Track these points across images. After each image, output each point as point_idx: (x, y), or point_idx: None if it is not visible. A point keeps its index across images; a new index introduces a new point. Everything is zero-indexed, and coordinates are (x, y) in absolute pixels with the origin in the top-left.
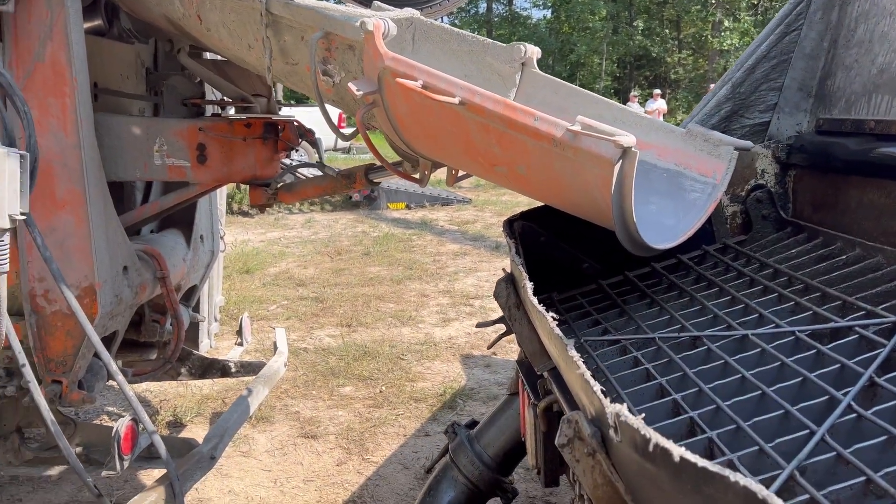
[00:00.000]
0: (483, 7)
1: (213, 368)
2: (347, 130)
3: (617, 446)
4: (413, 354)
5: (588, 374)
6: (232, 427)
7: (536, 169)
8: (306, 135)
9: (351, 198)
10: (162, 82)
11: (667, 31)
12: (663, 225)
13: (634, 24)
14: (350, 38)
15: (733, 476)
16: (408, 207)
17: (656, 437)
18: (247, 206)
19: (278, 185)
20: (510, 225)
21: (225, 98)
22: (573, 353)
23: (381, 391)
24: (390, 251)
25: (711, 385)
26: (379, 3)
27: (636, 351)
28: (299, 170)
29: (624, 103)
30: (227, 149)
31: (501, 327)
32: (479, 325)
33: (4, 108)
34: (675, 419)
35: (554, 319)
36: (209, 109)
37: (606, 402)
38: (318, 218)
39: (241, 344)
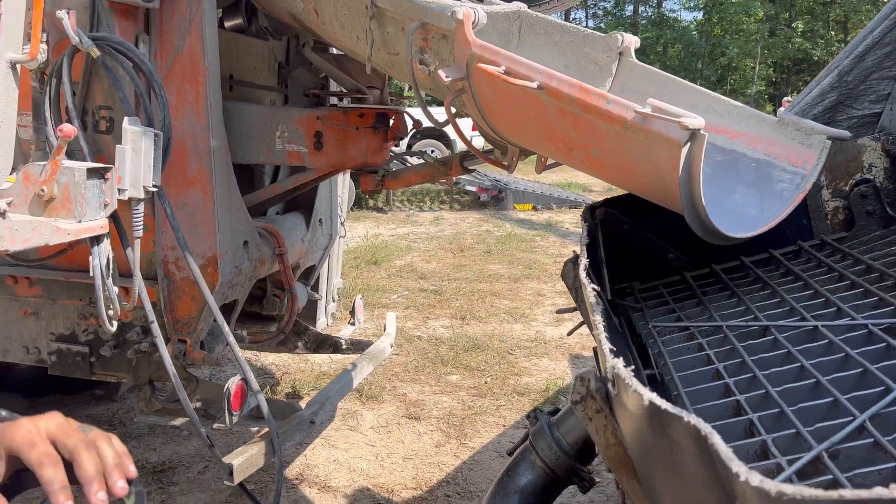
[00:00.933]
0: (630, 10)
1: (325, 344)
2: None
3: (615, 401)
4: (522, 350)
5: (604, 333)
6: (333, 396)
7: (610, 153)
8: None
9: (479, 198)
10: (289, 75)
11: (832, 32)
12: (746, 215)
13: (793, 25)
14: (444, 27)
15: (686, 416)
16: (534, 209)
17: (635, 384)
18: (381, 203)
19: (385, 172)
20: (592, 211)
21: (342, 89)
22: (598, 317)
23: (486, 382)
24: (511, 250)
25: (767, 372)
26: None
27: (702, 338)
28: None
29: (777, 109)
30: (341, 137)
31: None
32: (559, 312)
33: (147, 94)
34: (721, 401)
35: (595, 291)
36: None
37: (610, 356)
38: (446, 216)
39: (353, 324)
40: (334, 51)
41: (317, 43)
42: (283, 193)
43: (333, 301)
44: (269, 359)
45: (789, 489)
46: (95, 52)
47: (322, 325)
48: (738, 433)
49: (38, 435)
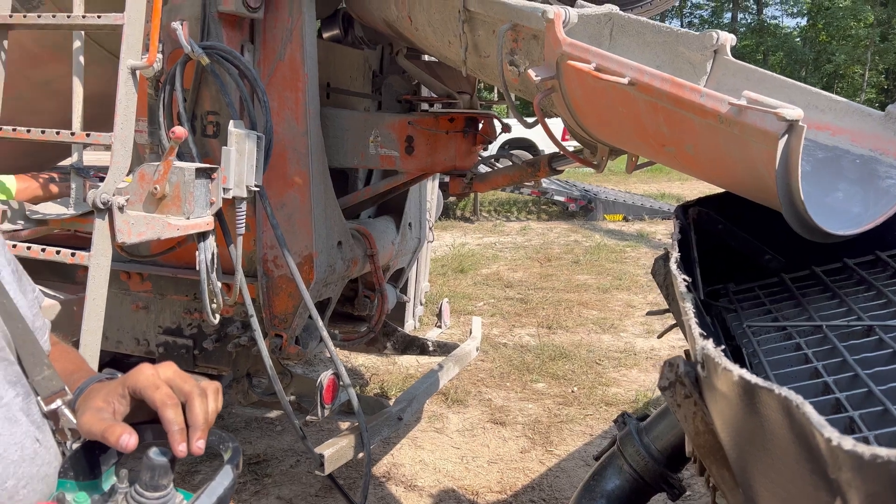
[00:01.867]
0: (728, 17)
1: (413, 345)
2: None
3: (705, 384)
4: (610, 361)
5: (693, 319)
6: (420, 395)
7: (704, 147)
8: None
9: (567, 208)
10: (383, 82)
11: None
12: (849, 213)
13: None
14: (534, 27)
15: (777, 388)
16: (625, 219)
17: (725, 362)
18: (468, 212)
19: (473, 176)
20: (684, 211)
21: (433, 94)
22: (688, 304)
23: (572, 391)
24: (601, 261)
25: (870, 371)
26: (582, 0)
27: (800, 338)
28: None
29: None
30: (431, 141)
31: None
32: (649, 314)
33: (251, 99)
34: (819, 398)
35: (686, 281)
36: (421, 107)
37: (699, 339)
38: (533, 226)
39: (439, 326)
40: (426, 58)
41: (409, 51)
42: (375, 196)
43: (421, 304)
44: (359, 360)
45: (883, 451)
46: (205, 60)
47: (410, 327)
48: (839, 429)
49: (160, 378)
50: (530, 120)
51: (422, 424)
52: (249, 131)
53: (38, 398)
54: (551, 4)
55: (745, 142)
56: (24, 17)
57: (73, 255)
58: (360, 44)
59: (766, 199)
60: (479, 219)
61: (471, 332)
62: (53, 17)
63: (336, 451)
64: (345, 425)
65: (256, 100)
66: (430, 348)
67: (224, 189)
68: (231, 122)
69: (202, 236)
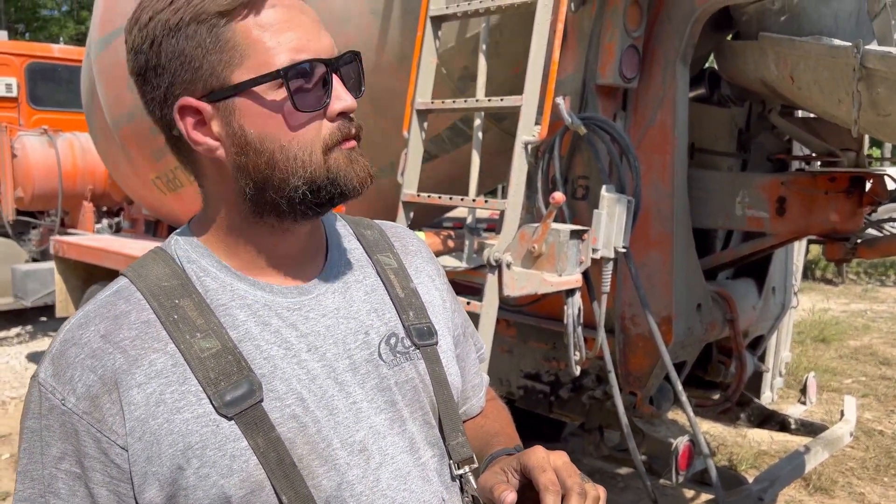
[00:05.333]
0: None
1: (772, 420)
2: None
3: None
4: None
5: None
6: (784, 477)
7: None
8: None
9: None
10: (751, 141)
11: None
12: None
13: None
14: None
15: None
16: None
17: None
18: (831, 273)
19: (858, 241)
20: None
21: (811, 153)
22: None
23: None
24: None
25: None
26: None
27: None
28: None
29: None
30: (807, 202)
31: None
32: None
33: (620, 163)
34: None
35: None
36: (793, 165)
37: None
38: None
39: (803, 402)
40: (800, 114)
41: (783, 107)
42: (738, 259)
43: (780, 375)
44: (704, 426)
45: None
46: (582, 131)
47: (767, 399)
48: None
49: (549, 463)
50: None
51: None
52: (620, 195)
53: (451, 462)
54: None
55: None
56: (443, 102)
57: (468, 303)
58: (726, 102)
59: None
60: (845, 281)
61: (842, 414)
62: (465, 101)
63: None
64: (691, 494)
65: (626, 164)
66: (792, 426)
67: (593, 249)
68: (603, 186)
69: (570, 292)
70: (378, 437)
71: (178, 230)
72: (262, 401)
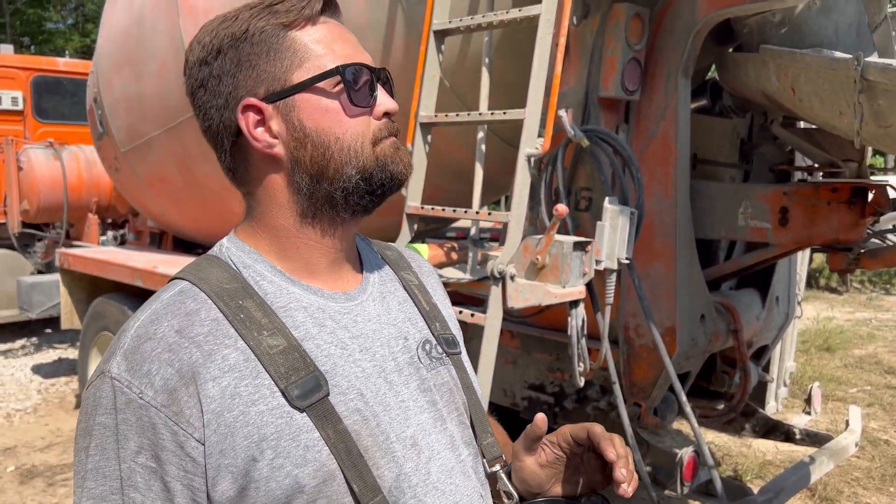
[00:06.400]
0: None
1: (776, 430)
2: None
3: None
4: None
5: None
6: (789, 487)
7: None
8: None
9: None
10: (753, 151)
11: None
12: None
13: None
14: None
15: None
16: None
17: None
18: (835, 282)
19: (861, 251)
20: None
21: (814, 164)
22: None
23: None
24: None
25: None
26: None
27: None
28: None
29: None
30: (809, 212)
31: None
32: None
33: (622, 174)
34: None
35: None
36: (796, 176)
37: None
38: None
39: (808, 412)
40: (802, 125)
41: (784, 118)
42: (741, 269)
43: (784, 385)
44: (708, 437)
45: None
46: (585, 142)
47: (771, 409)
48: None
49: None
50: None
51: None
52: (623, 207)
53: (484, 460)
54: None
55: None
56: (446, 115)
57: (472, 315)
58: (728, 113)
59: None
60: (849, 290)
61: (847, 424)
62: (468, 114)
63: None
64: None
65: (628, 175)
66: (797, 436)
67: (596, 261)
68: (606, 198)
69: (574, 303)
70: (425, 434)
71: (225, 237)
72: (328, 395)
